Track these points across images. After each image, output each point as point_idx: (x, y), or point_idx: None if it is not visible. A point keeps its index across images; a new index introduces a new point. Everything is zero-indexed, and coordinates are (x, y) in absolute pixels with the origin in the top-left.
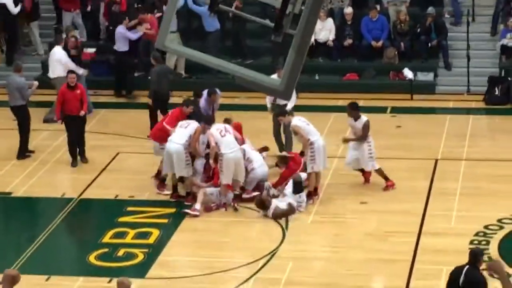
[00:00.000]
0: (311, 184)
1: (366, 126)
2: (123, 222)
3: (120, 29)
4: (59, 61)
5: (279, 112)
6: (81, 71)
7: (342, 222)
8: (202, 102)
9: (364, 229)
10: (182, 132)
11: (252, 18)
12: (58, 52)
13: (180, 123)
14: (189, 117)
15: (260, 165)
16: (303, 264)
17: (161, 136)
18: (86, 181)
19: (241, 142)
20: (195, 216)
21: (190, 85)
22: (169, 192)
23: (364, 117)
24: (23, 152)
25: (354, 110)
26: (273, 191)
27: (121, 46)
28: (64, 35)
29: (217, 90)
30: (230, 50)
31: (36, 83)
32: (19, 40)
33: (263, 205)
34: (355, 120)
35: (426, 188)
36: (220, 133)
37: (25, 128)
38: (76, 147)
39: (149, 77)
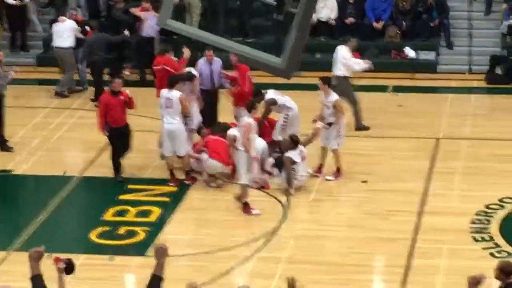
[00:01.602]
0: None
1: (337, 106)
2: (124, 200)
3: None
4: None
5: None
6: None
7: (343, 200)
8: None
9: (365, 208)
10: (172, 111)
11: None
12: (69, 23)
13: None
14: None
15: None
16: (304, 243)
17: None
18: (88, 159)
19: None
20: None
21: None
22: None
23: (334, 95)
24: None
25: (325, 85)
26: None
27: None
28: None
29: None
30: (233, 28)
31: (12, 73)
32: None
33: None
34: (325, 96)
35: (427, 167)
36: None
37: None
38: (120, 160)
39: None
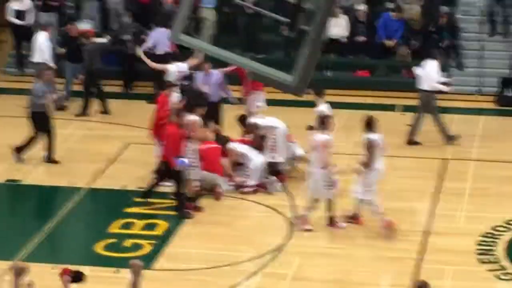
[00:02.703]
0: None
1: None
2: (131, 212)
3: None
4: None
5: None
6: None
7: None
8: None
9: (372, 227)
10: None
11: (267, 13)
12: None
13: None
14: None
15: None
16: (310, 260)
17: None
18: (96, 171)
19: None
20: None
21: None
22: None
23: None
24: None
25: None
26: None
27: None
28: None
29: None
30: (243, 43)
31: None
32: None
33: None
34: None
35: (434, 187)
36: None
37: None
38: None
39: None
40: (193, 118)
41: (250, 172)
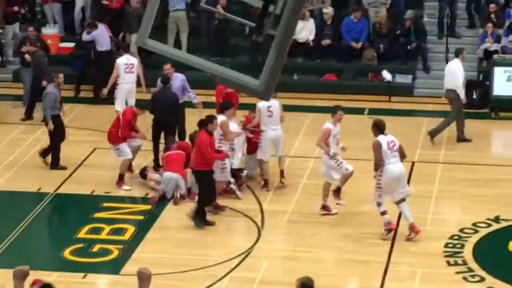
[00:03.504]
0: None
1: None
2: (99, 218)
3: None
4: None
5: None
6: None
7: (318, 222)
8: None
9: (340, 230)
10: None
11: (233, 17)
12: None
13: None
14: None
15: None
16: (278, 264)
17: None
18: (63, 176)
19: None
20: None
21: None
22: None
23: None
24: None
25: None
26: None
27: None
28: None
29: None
30: (210, 48)
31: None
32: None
33: None
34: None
35: None
36: None
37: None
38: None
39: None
40: (221, 118)
41: (235, 145)
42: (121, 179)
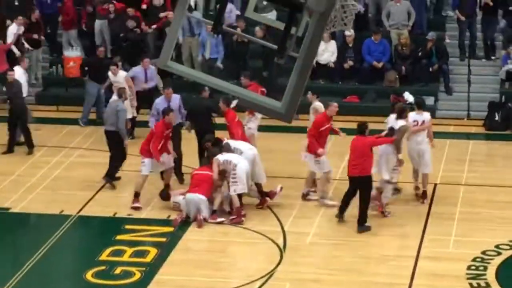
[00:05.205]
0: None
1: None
2: (121, 240)
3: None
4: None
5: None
6: None
7: (340, 244)
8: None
9: (362, 252)
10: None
11: (255, 39)
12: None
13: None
14: None
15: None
16: (300, 286)
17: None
18: (85, 198)
19: None
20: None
21: None
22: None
23: None
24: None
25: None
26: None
27: None
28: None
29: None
30: (231, 70)
31: None
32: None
33: None
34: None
35: (425, 212)
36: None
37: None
38: None
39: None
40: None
41: (237, 177)
42: (136, 197)
